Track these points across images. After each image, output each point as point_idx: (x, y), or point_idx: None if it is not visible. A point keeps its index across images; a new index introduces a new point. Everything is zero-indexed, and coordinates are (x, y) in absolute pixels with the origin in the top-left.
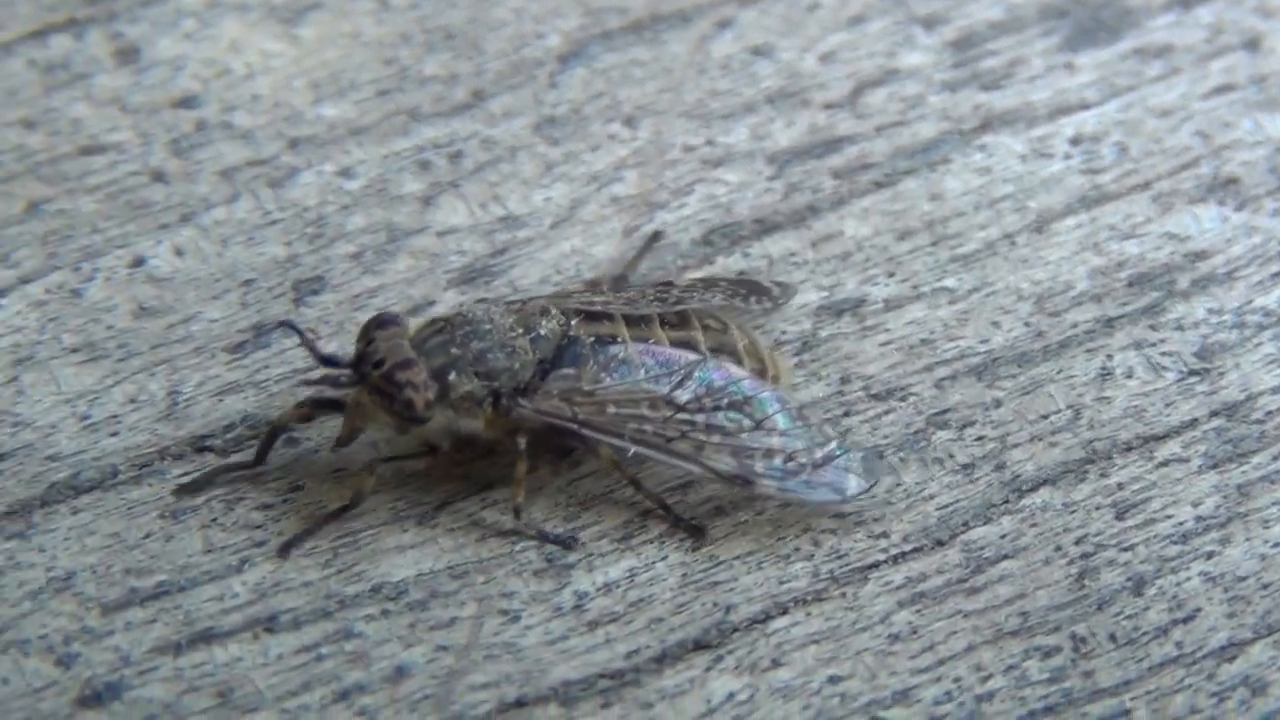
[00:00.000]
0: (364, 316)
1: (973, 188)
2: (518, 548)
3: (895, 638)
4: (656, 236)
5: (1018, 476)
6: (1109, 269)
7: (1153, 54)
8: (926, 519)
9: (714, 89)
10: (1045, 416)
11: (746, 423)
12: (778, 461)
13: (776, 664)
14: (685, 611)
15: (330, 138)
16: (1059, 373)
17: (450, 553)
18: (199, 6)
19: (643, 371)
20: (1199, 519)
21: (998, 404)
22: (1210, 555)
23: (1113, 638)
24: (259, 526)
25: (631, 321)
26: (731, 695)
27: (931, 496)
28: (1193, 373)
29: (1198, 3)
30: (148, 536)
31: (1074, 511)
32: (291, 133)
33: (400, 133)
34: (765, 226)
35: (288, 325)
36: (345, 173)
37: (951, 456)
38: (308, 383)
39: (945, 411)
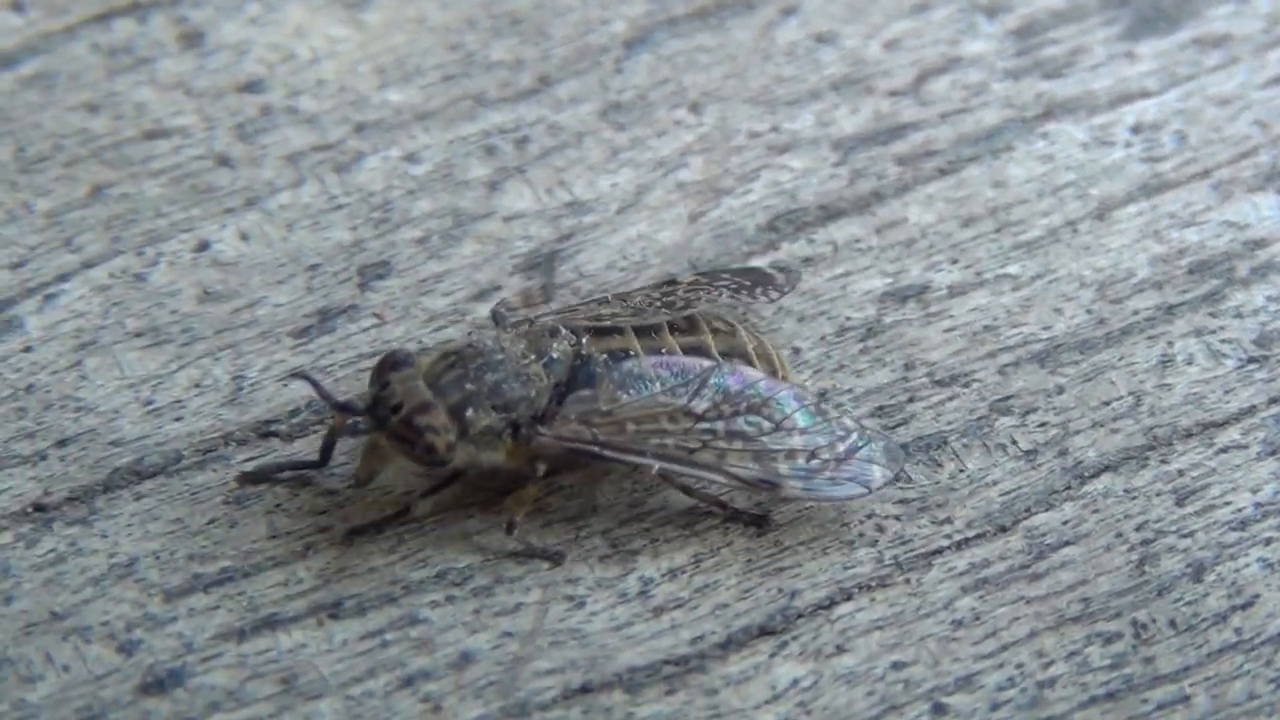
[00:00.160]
0: (430, 302)
1: (1035, 175)
2: (583, 533)
3: (958, 624)
4: (553, 257)
5: (1080, 463)
6: (1169, 256)
7: (1211, 44)
8: (989, 505)
9: (779, 75)
10: (1107, 403)
11: (766, 425)
12: (801, 461)
13: (841, 650)
14: (750, 597)
15: (396, 122)
16: (1120, 359)
17: (515, 538)
18: None
19: (658, 384)
20: (1258, 505)
21: (1060, 390)
22: (1269, 541)
23: (1173, 624)
24: (323, 512)
25: (641, 332)
26: (796, 681)
27: (995, 483)
28: (1252, 360)
29: None
30: (211, 522)
31: (1135, 498)
32: (357, 117)
33: (466, 118)
34: (830, 213)
35: (303, 377)
36: (411, 158)
37: (1014, 443)
38: (255, 478)
39: (1008, 398)
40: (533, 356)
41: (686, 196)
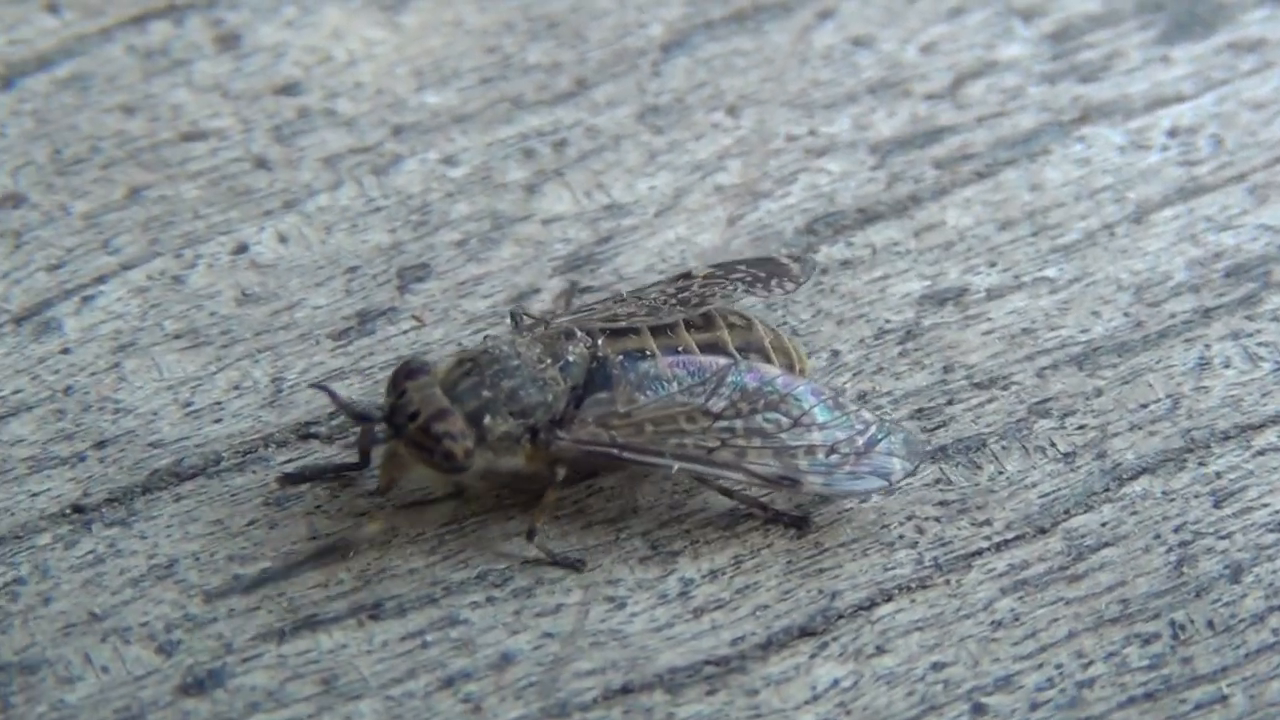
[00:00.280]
0: (469, 304)
1: (1072, 178)
2: (623, 535)
3: (998, 625)
4: (574, 286)
5: (1118, 465)
6: (1206, 260)
7: (1246, 48)
8: (1029, 507)
9: (816, 79)
10: (1145, 405)
11: (785, 421)
12: (821, 456)
13: (881, 651)
14: (790, 599)
15: (434, 125)
16: (1158, 362)
17: (556, 540)
18: None
19: (675, 384)
20: None
21: (1098, 393)
22: None
23: (1211, 625)
24: (363, 514)
25: (657, 331)
26: (836, 682)
27: (1033, 485)
28: None
29: None
30: (251, 524)
31: (1173, 500)
32: (395, 120)
33: (504, 120)
34: (868, 216)
35: (320, 388)
36: (449, 160)
37: (1053, 445)
38: (295, 479)
39: (1047, 400)
40: (549, 360)
41: (724, 199)
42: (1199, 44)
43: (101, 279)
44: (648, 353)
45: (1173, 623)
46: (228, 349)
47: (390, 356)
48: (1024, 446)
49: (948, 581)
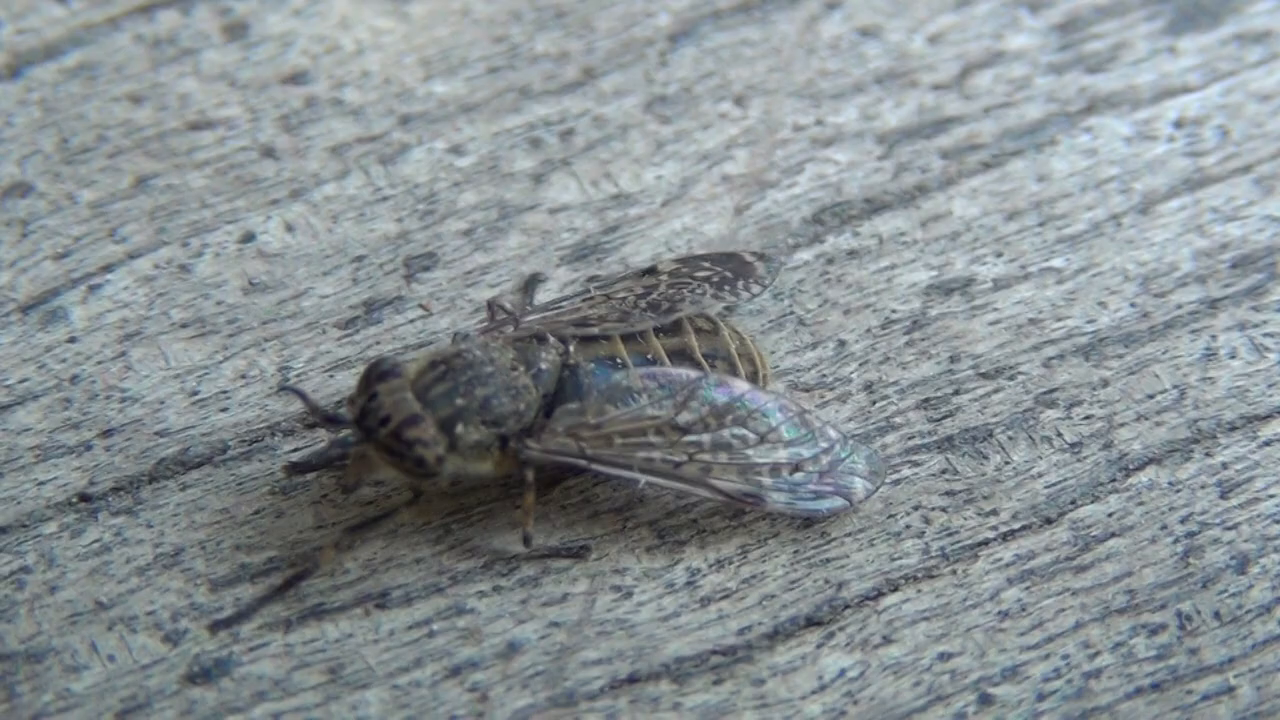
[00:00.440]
0: (476, 293)
1: (1079, 169)
2: (630, 524)
3: (1005, 615)
4: (535, 279)
5: (1125, 455)
6: (1212, 251)
7: (1252, 39)
8: (1035, 497)
9: (823, 69)
10: (1151, 396)
11: (751, 437)
12: (785, 474)
13: (888, 641)
14: (797, 588)
15: (441, 114)
16: (1164, 353)
17: (563, 529)
18: None
19: (646, 396)
20: None
21: (1105, 383)
22: None
23: (1217, 615)
24: (370, 502)
25: (627, 337)
26: (843, 672)
27: (1040, 475)
28: None
29: None
30: (258, 512)
31: (1179, 490)
32: (402, 109)
33: (511, 110)
34: (875, 206)
35: (290, 390)
36: (456, 149)
37: (1060, 435)
38: (301, 468)
39: (1053, 390)
40: (521, 367)
41: (732, 189)
42: (1206, 35)
43: (108, 268)
44: (619, 360)
45: (1179, 613)
46: (234, 338)
47: (397, 345)
48: (1030, 437)
49: (954, 571)
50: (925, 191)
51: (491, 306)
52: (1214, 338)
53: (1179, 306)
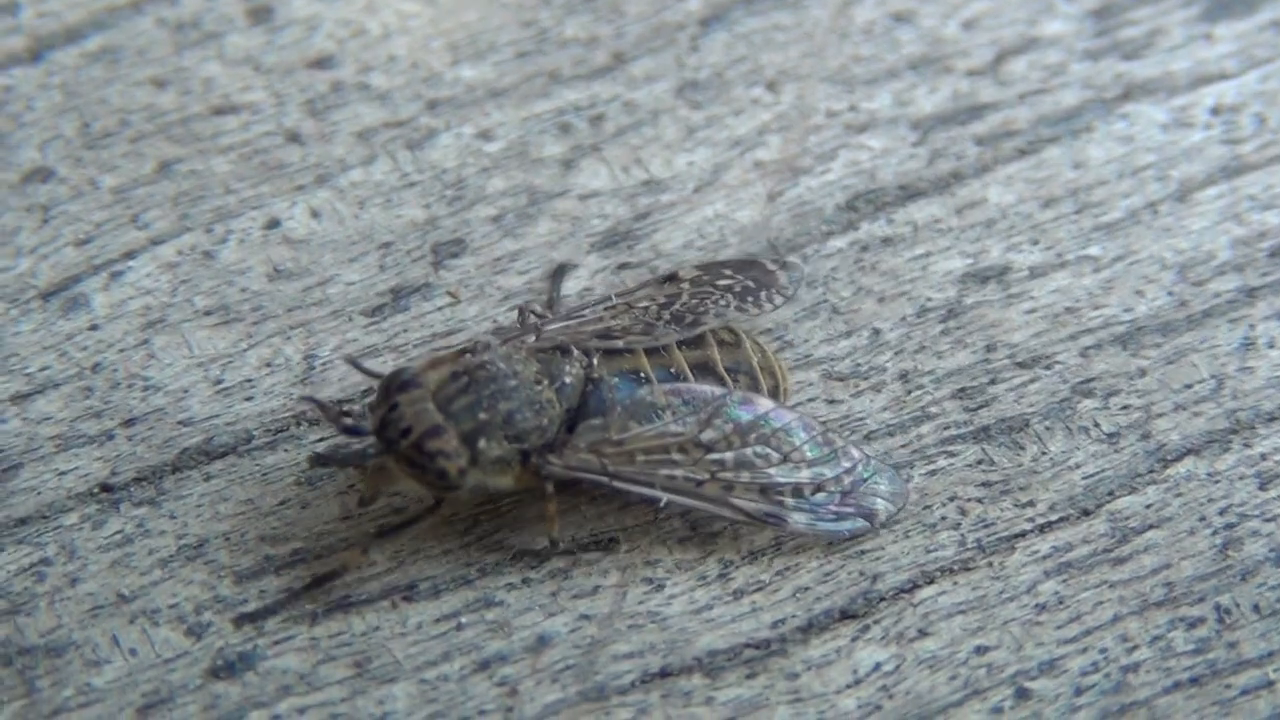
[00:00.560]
0: (505, 280)
1: (1115, 156)
2: (662, 515)
3: (1042, 608)
4: (563, 269)
5: (1163, 446)
6: (1250, 239)
7: None
8: (1072, 488)
9: (857, 54)
10: (1189, 386)
11: (775, 456)
12: (807, 494)
13: (923, 634)
14: (831, 580)
15: (469, 99)
16: (1202, 342)
17: (593, 520)
18: None
19: (669, 413)
20: None
21: (1142, 373)
22: None
23: (1256, 609)
24: (396, 493)
25: (650, 350)
26: (878, 665)
27: (1077, 466)
28: None
29: None
30: (283, 503)
31: (1218, 482)
32: (430, 94)
33: (540, 95)
34: (909, 193)
35: (308, 400)
36: (484, 135)
37: (1097, 425)
38: (326, 460)
39: (1090, 380)
40: (545, 381)
41: (764, 175)
42: (1242, 21)
43: (131, 254)
44: (642, 375)
45: (1218, 606)
46: (259, 325)
47: (425, 333)
48: (1067, 427)
49: (991, 564)
50: (960, 178)
51: (523, 312)
52: (1252, 327)
53: (1217, 295)
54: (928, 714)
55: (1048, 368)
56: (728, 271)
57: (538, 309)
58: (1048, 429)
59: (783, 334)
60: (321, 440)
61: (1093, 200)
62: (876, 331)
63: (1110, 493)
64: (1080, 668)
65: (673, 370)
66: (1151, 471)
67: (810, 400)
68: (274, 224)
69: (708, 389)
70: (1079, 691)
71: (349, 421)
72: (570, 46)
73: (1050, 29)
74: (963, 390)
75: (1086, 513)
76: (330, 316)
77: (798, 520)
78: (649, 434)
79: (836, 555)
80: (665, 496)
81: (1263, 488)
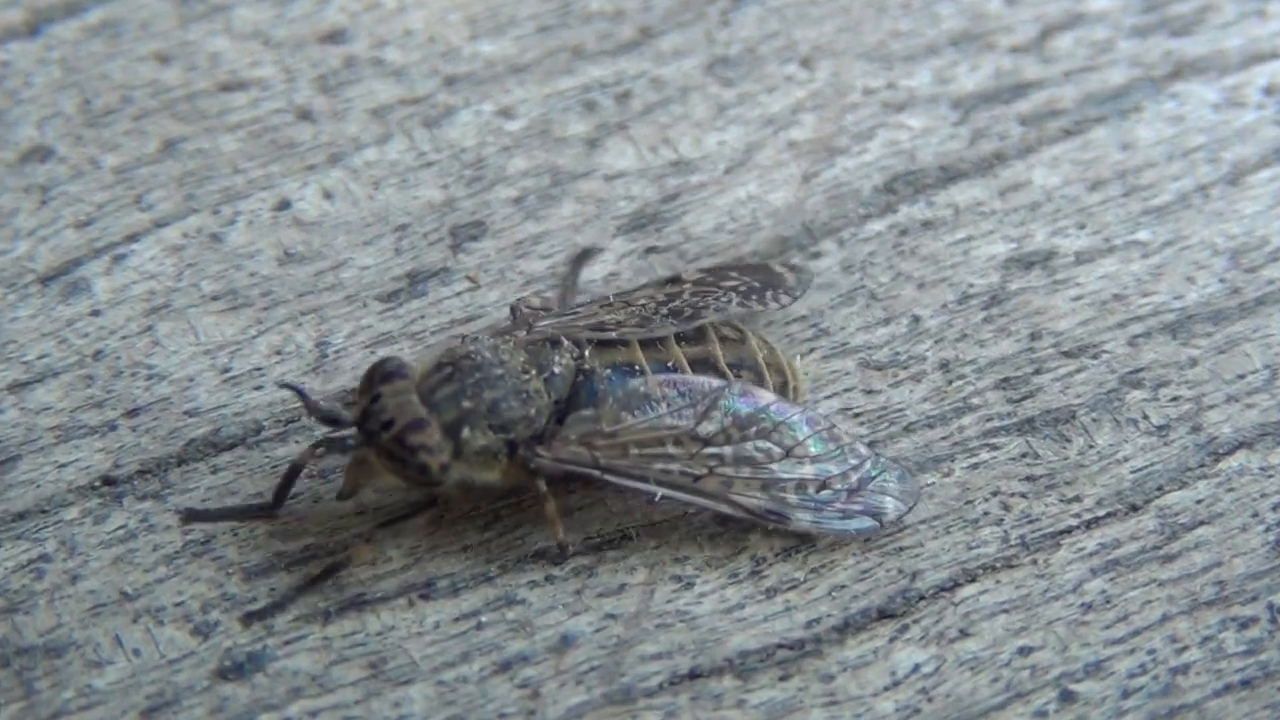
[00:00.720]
0: (527, 265)
1: (1165, 137)
2: (692, 509)
3: (1088, 607)
4: (587, 253)
5: (1214, 439)
6: None
7: None
8: (1120, 483)
9: (895, 29)
10: (1242, 376)
11: (777, 451)
12: (811, 491)
13: (964, 634)
14: (868, 578)
15: (489, 75)
16: (1255, 331)
17: (620, 515)
18: None
19: (665, 405)
20: None
21: (1193, 363)
22: None
23: None
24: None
25: (646, 343)
26: (917, 667)
27: (1125, 459)
28: None
29: None
30: (294, 497)
31: (1271, 476)
32: (447, 70)
33: (564, 71)
34: (950, 174)
35: (288, 387)
36: (505, 112)
37: (1146, 417)
38: (200, 516)
39: (1139, 370)
40: (533, 371)
41: (799, 156)
42: None
43: (134, 237)
44: (636, 367)
45: (1271, 606)
46: (269, 311)
47: (443, 320)
48: (1115, 419)
49: (1035, 561)
50: (1003, 159)
51: (515, 310)
52: None
53: (1270, 282)
54: (968, 717)
55: (1095, 357)
56: (734, 273)
57: (535, 302)
58: (1094, 421)
59: (818, 321)
60: (331, 433)
61: (1141, 183)
62: (916, 319)
63: (1159, 487)
64: (1127, 669)
65: (670, 365)
66: (1202, 465)
67: (847, 390)
68: (284, 205)
69: (705, 380)
70: (1126, 694)
71: (329, 411)
72: (595, 20)
73: (1097, 4)
74: (1006, 380)
75: (1135, 508)
76: (343, 302)
77: (801, 518)
78: (642, 426)
79: (874, 552)
80: (660, 491)
81: None
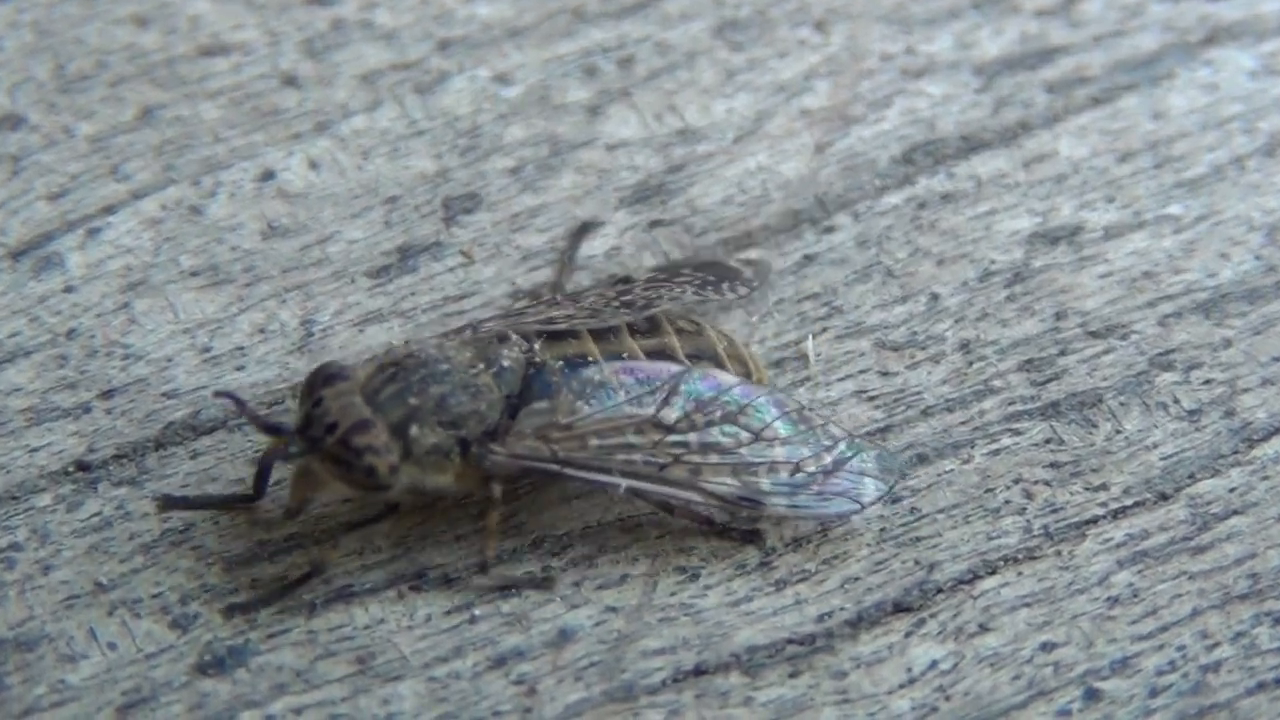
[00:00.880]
0: (524, 239)
1: (1199, 106)
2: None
3: (1114, 601)
4: (586, 228)
5: (1248, 424)
6: None
7: None
8: (1149, 470)
9: None
10: (1278, 359)
11: (744, 435)
12: (784, 475)
13: (984, 629)
14: (883, 570)
15: (485, 39)
16: None
17: (622, 503)
18: None
19: (623, 393)
20: None
21: (1227, 344)
22: None
23: None
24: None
25: (599, 335)
26: (934, 664)
27: (1155, 445)
28: None
29: None
30: (278, 483)
31: None
32: (441, 33)
33: (564, 34)
34: (972, 144)
35: (226, 396)
36: (502, 78)
37: (1177, 401)
38: (176, 502)
39: (1170, 352)
40: (481, 365)
41: (812, 124)
42: None
43: (110, 209)
44: (590, 359)
45: None
46: (251, 288)
47: (435, 297)
48: (1144, 403)
49: (1059, 552)
50: (1028, 129)
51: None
52: None
53: None
54: (988, 716)
55: (1123, 338)
56: (687, 270)
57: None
58: (1122, 405)
59: (831, 299)
60: None
61: (1173, 154)
62: (935, 297)
63: (1190, 475)
64: (1156, 667)
65: (624, 356)
66: (1236, 452)
67: (862, 372)
68: (268, 176)
69: (663, 365)
70: (1154, 693)
71: (270, 420)
72: None
73: None
74: (1030, 362)
75: (1164, 497)
76: (330, 278)
77: (776, 503)
78: (600, 415)
79: (889, 543)
80: (624, 483)
81: None
